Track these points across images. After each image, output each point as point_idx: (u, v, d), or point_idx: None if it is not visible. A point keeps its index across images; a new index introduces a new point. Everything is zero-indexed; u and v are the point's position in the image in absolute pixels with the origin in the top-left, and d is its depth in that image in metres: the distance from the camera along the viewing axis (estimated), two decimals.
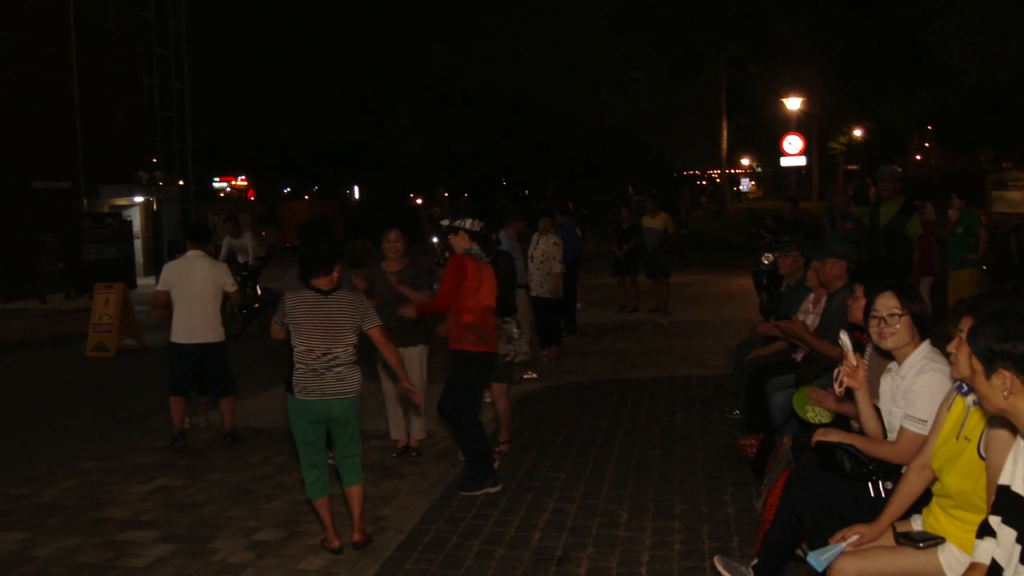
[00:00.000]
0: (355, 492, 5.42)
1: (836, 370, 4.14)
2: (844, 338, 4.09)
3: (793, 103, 32.56)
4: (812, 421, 5.00)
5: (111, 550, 5.67)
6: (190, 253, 8.16)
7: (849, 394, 4.17)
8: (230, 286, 8.25)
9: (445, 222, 8.80)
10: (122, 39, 31.27)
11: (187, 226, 8.47)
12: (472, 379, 6.44)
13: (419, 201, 77.08)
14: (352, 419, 5.39)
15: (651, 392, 9.34)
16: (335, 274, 5.36)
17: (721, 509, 5.76)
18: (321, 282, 5.33)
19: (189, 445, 8.03)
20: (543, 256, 10.88)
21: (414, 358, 7.21)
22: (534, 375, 10.18)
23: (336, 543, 5.37)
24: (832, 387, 4.24)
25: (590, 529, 5.51)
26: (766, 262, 10.40)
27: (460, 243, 6.53)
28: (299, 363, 5.27)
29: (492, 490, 6.21)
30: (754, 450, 6.33)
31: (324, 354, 5.24)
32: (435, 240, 21.71)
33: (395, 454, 7.40)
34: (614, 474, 6.59)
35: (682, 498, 5.99)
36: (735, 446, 6.89)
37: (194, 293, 7.99)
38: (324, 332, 5.26)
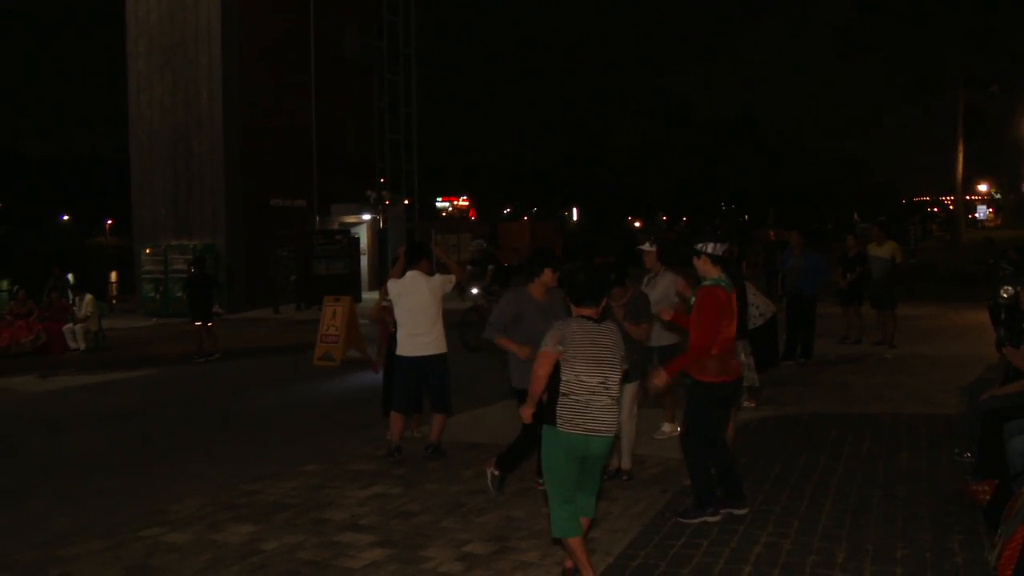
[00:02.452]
0: (583, 523, 5.29)
1: None
2: None
3: None
4: None
5: (330, 550, 5.97)
6: (408, 274, 8.36)
7: None
8: (449, 283, 8.39)
9: (647, 247, 8.44)
10: (356, 67, 33.04)
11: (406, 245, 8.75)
12: (707, 408, 6.24)
13: (637, 224, 77.09)
14: (605, 457, 5.27)
15: (873, 429, 8.89)
16: (600, 306, 5.22)
17: (948, 559, 5.39)
18: (591, 311, 5.18)
19: (406, 458, 8.31)
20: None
21: (627, 394, 7.11)
22: (752, 403, 9.82)
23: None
24: None
25: (803, 567, 5.29)
26: (1005, 295, 9.71)
27: (705, 269, 6.22)
28: (567, 394, 5.05)
29: (711, 519, 6.06)
30: (988, 497, 5.90)
31: (597, 384, 5.04)
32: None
33: (607, 476, 7.36)
34: (831, 512, 6.31)
35: (904, 543, 5.66)
36: (966, 491, 6.44)
37: (420, 309, 8.23)
38: (598, 362, 5.06)
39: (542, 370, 5.11)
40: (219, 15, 27.77)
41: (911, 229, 29.19)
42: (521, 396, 6.88)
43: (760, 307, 10.45)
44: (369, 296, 29.16)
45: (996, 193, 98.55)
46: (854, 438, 8.49)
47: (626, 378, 6.74)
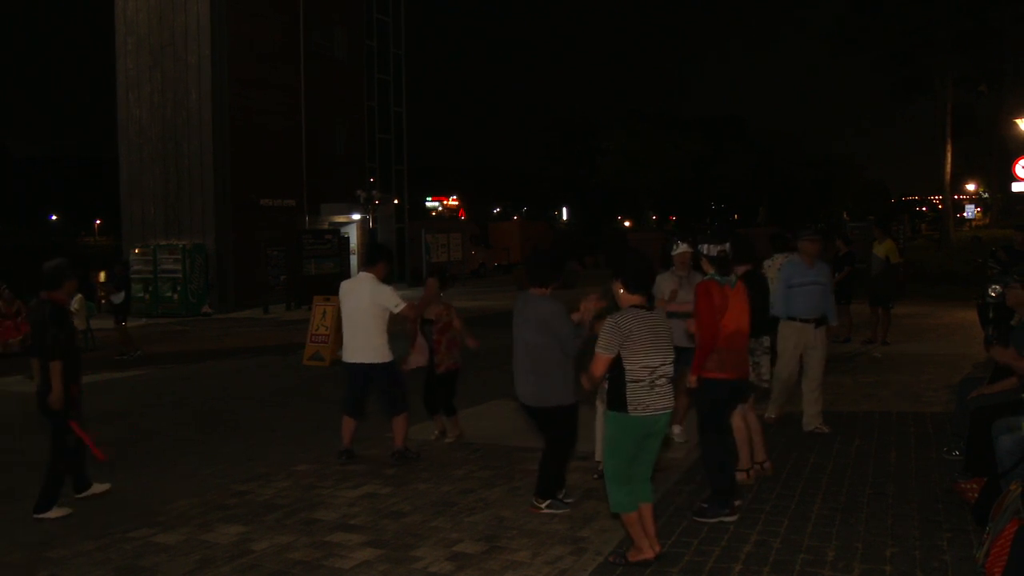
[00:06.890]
0: (648, 508, 5.45)
1: None
2: None
3: None
4: None
5: (320, 550, 5.97)
6: (360, 274, 8.28)
7: None
8: (395, 307, 8.05)
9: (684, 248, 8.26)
10: (347, 66, 32.98)
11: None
12: (710, 406, 6.24)
13: (627, 224, 77.12)
14: (664, 434, 5.50)
15: (863, 427, 8.92)
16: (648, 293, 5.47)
17: (937, 556, 5.42)
18: (642, 299, 5.38)
19: (384, 458, 8.29)
20: None
21: None
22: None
23: (657, 548, 5.39)
24: None
25: (793, 565, 5.31)
26: (993, 294, 9.76)
27: (703, 267, 6.43)
28: (634, 381, 5.25)
29: (727, 519, 6.05)
30: (976, 495, 5.92)
31: (657, 367, 5.29)
32: None
33: (596, 476, 7.35)
34: (821, 510, 6.33)
35: (894, 541, 5.68)
36: (954, 489, 6.47)
37: (356, 315, 8.09)
38: (656, 346, 5.31)
39: (598, 372, 5.33)
40: (208, 15, 27.70)
41: (900, 229, 29.14)
42: (529, 412, 6.68)
43: None
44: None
45: (984, 192, 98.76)
46: (844, 436, 8.52)
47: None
